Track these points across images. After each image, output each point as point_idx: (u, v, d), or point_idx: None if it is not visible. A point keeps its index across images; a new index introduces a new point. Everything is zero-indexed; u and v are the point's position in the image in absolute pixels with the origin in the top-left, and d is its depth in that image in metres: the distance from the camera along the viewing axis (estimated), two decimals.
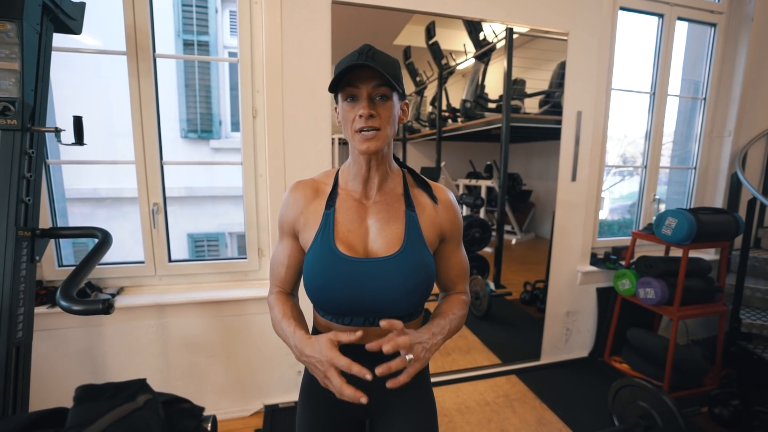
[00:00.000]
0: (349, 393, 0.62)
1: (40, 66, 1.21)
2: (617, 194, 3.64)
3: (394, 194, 0.79)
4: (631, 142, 3.58)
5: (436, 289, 0.87)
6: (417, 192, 0.81)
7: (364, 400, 0.61)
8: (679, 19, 2.35)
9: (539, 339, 2.34)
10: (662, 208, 2.57)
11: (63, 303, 1.07)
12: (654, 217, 2.12)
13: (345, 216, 0.76)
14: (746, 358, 2.11)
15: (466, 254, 0.87)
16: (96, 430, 0.40)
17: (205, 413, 0.59)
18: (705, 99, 2.51)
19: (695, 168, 2.60)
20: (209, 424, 0.51)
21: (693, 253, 2.28)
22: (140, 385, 0.50)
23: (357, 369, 0.61)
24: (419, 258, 0.74)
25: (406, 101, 0.77)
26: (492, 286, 2.46)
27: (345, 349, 0.77)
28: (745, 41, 2.39)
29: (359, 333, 0.64)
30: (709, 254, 2.58)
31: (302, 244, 0.79)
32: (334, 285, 0.72)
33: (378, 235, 0.75)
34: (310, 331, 0.85)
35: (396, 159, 0.84)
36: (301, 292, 0.83)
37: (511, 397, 2.02)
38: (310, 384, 0.84)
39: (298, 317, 0.77)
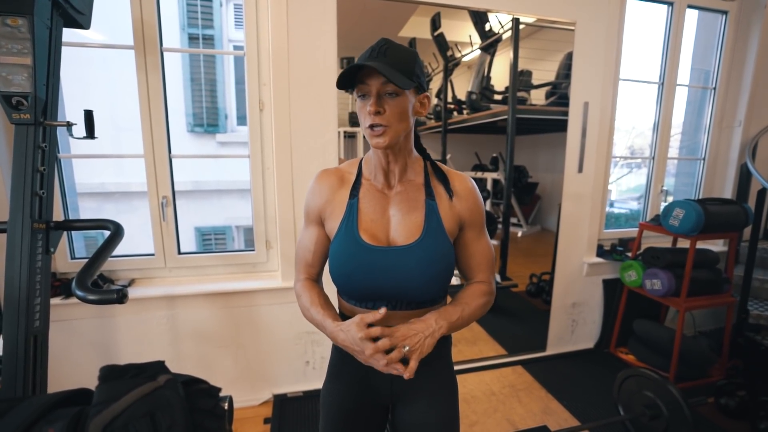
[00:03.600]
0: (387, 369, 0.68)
1: (51, 61, 1.23)
2: (624, 186, 3.61)
3: (415, 184, 0.80)
4: (639, 133, 3.55)
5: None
6: (437, 182, 0.82)
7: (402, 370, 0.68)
8: (689, 7, 2.31)
9: (545, 330, 2.35)
10: (670, 199, 2.55)
11: (79, 293, 1.10)
12: (661, 209, 2.11)
13: (368, 206, 0.79)
14: (753, 349, 2.11)
15: (490, 243, 0.87)
16: (121, 407, 0.42)
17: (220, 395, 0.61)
18: (715, 89, 2.47)
19: (704, 159, 2.58)
20: (226, 404, 0.52)
21: (701, 245, 2.26)
22: (160, 366, 0.52)
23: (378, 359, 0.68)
24: (438, 246, 0.76)
25: (427, 93, 0.77)
26: (498, 278, 2.46)
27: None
28: (757, 29, 2.34)
29: (383, 310, 0.69)
30: (717, 245, 2.56)
31: (327, 232, 0.82)
32: (358, 273, 0.75)
33: (399, 225, 0.77)
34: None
35: (419, 147, 0.85)
36: (326, 277, 0.86)
37: (516, 387, 2.04)
38: (338, 365, 0.86)
39: (326, 304, 0.80)
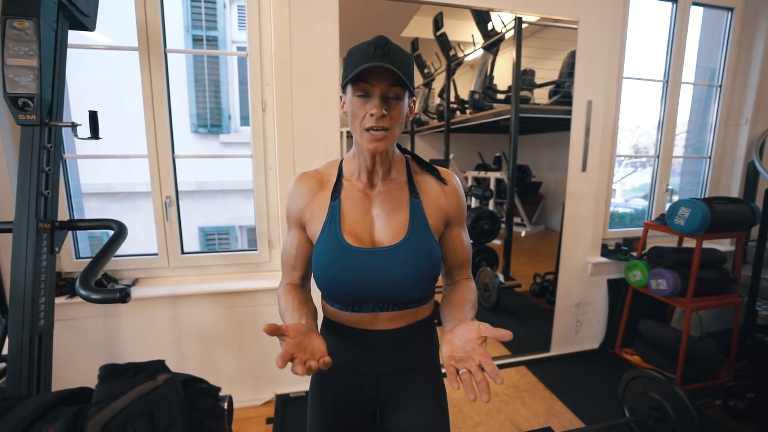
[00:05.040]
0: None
1: (57, 62, 1.24)
2: (629, 186, 3.58)
3: (398, 182, 0.79)
4: (643, 132, 3.52)
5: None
6: (420, 178, 0.81)
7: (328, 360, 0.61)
8: (694, 4, 2.29)
9: (549, 331, 2.33)
10: (675, 198, 2.53)
11: (82, 292, 1.11)
12: (667, 208, 2.09)
13: (350, 207, 0.76)
14: (762, 350, 2.07)
15: (469, 238, 0.87)
16: (120, 406, 0.42)
17: (221, 394, 0.61)
18: (721, 86, 2.45)
19: (710, 157, 2.55)
20: (226, 404, 0.52)
21: (707, 244, 2.23)
22: (159, 365, 0.52)
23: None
24: (424, 245, 0.75)
25: (414, 98, 0.76)
26: (501, 278, 2.45)
27: (352, 333, 0.80)
28: (763, 26, 2.32)
29: (328, 360, 0.62)
30: (724, 245, 2.53)
31: (310, 235, 0.80)
32: (343, 276, 0.73)
33: (383, 225, 0.76)
34: (320, 323, 0.86)
35: (398, 146, 0.83)
36: (312, 281, 0.84)
37: (520, 388, 2.03)
38: (321, 373, 0.85)
39: (300, 308, 0.74)
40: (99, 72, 3.75)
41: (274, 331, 0.58)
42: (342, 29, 1.74)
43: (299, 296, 0.79)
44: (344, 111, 0.74)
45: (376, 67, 0.65)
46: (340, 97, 0.75)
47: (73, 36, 1.39)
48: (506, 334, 0.58)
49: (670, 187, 2.48)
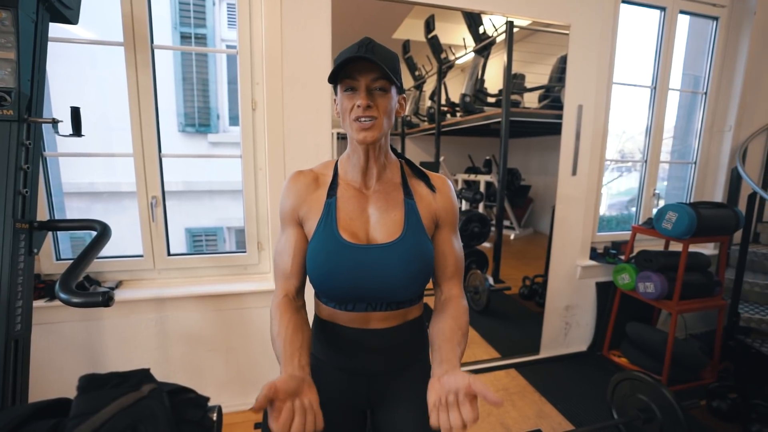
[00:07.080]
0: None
1: (37, 56, 1.19)
2: (615, 190, 3.64)
3: (393, 183, 0.80)
4: (629, 138, 3.58)
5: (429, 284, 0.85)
6: (414, 181, 0.83)
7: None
8: (681, 12, 2.34)
9: (538, 333, 2.34)
10: (661, 203, 2.58)
11: (62, 295, 1.06)
12: (654, 212, 2.12)
13: (346, 205, 0.77)
14: (744, 352, 2.13)
15: (461, 247, 0.85)
16: (101, 419, 0.39)
17: (210, 404, 0.58)
18: (706, 93, 2.51)
19: (695, 163, 2.61)
20: (215, 414, 0.50)
21: (692, 248, 2.29)
22: (144, 374, 0.49)
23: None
24: (419, 244, 0.76)
25: (404, 95, 0.78)
26: (491, 280, 2.46)
27: (345, 332, 0.79)
28: (746, 35, 2.38)
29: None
30: (708, 249, 2.59)
31: (306, 233, 0.80)
32: (338, 272, 0.73)
33: (378, 223, 0.77)
34: (312, 321, 0.85)
35: (393, 150, 0.85)
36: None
37: (510, 390, 2.03)
38: (314, 372, 0.83)
39: (293, 338, 0.68)
40: (83, 67, 3.65)
41: (264, 405, 0.53)
42: (334, 30, 1.72)
43: (294, 320, 0.73)
44: (337, 112, 0.76)
45: (357, 59, 0.67)
46: (333, 100, 0.77)
47: (55, 29, 1.34)
48: (499, 402, 0.55)
49: (657, 191, 2.52)
